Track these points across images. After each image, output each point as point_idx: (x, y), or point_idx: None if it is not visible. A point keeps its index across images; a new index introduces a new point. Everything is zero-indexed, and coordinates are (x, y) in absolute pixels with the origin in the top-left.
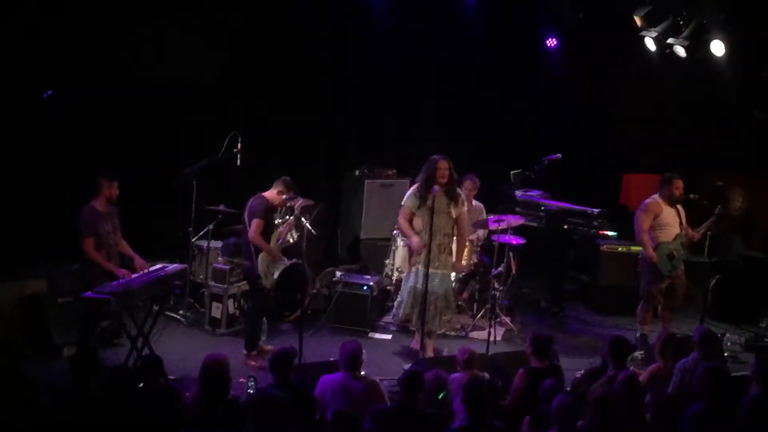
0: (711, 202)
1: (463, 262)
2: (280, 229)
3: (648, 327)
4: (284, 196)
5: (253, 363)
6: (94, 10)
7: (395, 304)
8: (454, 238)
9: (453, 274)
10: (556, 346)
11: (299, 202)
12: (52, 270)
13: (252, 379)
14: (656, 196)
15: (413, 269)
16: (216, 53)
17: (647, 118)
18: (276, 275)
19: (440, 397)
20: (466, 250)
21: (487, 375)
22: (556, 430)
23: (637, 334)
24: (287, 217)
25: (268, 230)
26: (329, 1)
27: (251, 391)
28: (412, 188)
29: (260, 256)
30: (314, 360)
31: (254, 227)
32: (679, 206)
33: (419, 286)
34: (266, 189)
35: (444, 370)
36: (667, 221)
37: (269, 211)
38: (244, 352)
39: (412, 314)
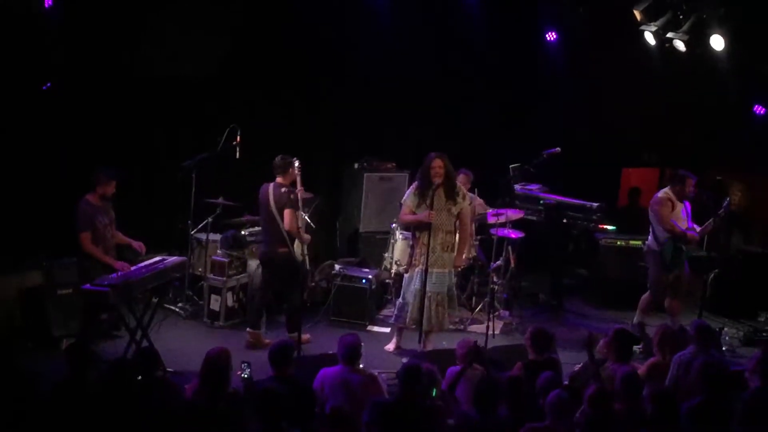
0: (712, 197)
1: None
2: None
3: (648, 317)
4: (290, 175)
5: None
6: (93, 4)
7: (397, 305)
8: (457, 234)
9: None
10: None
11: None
12: (51, 262)
13: (246, 364)
14: (667, 191)
15: (416, 270)
16: (215, 47)
17: (646, 112)
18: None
19: (434, 394)
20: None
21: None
22: (549, 423)
23: (635, 321)
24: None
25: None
26: None
27: (245, 376)
28: (411, 187)
29: (296, 241)
30: (313, 353)
31: (290, 217)
32: (686, 202)
33: (425, 288)
34: (265, 180)
35: (442, 364)
36: (678, 216)
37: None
38: (289, 335)
39: (420, 318)
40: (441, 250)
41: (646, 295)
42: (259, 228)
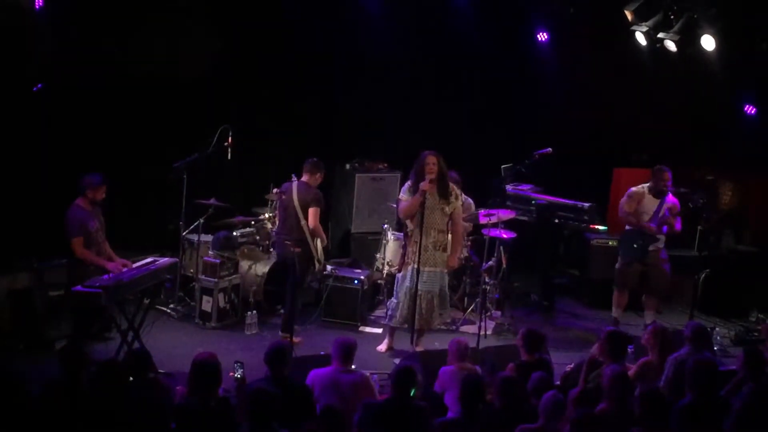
0: (700, 195)
1: None
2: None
3: (620, 311)
4: (319, 177)
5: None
6: (86, 4)
7: (389, 305)
8: (449, 234)
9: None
10: (546, 339)
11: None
12: (42, 263)
13: (239, 364)
14: (644, 185)
15: (408, 269)
16: (208, 47)
17: (638, 112)
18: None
19: (412, 394)
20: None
21: (478, 368)
22: (542, 423)
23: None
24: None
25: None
26: None
27: (238, 376)
28: (406, 184)
29: (318, 241)
30: (305, 354)
31: (315, 215)
32: (668, 198)
33: (416, 285)
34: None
35: (434, 365)
36: (645, 210)
37: None
38: (280, 333)
39: (412, 316)
40: (433, 249)
41: (615, 289)
42: (251, 229)
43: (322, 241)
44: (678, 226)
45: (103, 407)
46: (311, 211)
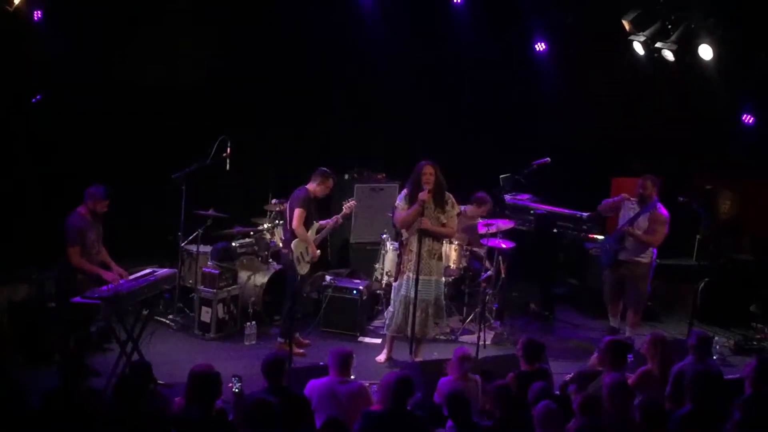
0: (700, 204)
1: (452, 266)
2: (323, 222)
3: (617, 320)
4: (323, 186)
5: (299, 350)
6: (84, 15)
7: (386, 314)
8: (444, 243)
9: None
10: (546, 349)
11: (351, 203)
12: (41, 274)
13: (236, 378)
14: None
15: (404, 277)
16: (206, 58)
17: (636, 121)
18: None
19: None
20: (455, 254)
21: (478, 377)
22: None
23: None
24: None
25: (308, 220)
26: (320, 4)
27: (236, 390)
28: (402, 192)
29: (294, 242)
30: (303, 364)
31: (296, 216)
32: (651, 206)
33: (411, 294)
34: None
35: (433, 375)
36: (622, 217)
37: (310, 201)
38: (279, 339)
39: (405, 325)
40: (428, 257)
41: None
42: (250, 240)
43: (307, 245)
44: (646, 235)
45: (103, 418)
46: (295, 212)
